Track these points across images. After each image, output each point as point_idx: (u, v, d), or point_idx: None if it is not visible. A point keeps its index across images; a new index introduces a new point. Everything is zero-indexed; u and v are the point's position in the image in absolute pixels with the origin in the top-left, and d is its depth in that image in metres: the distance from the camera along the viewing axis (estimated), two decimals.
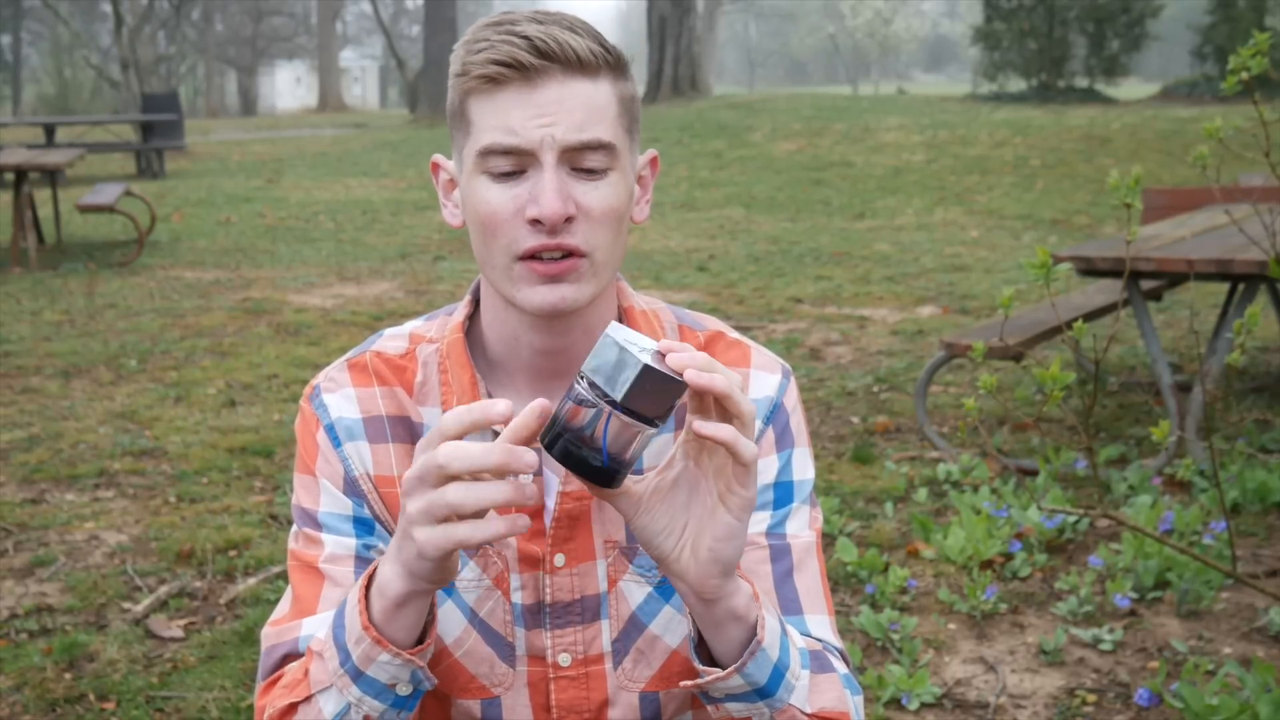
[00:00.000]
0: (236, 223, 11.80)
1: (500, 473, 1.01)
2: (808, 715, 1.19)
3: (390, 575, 1.09)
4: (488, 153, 1.19)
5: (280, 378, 5.91)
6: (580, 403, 1.01)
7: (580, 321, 1.26)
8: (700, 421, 1.02)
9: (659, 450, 1.29)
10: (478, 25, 1.21)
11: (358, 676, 1.12)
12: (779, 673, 1.15)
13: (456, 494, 1.01)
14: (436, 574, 1.08)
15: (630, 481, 1.09)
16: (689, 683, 1.17)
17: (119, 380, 5.90)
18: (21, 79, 38.72)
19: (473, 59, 1.18)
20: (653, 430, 1.02)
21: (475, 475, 1.02)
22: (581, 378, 1.02)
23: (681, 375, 1.00)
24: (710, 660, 1.17)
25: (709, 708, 1.19)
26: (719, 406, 1.05)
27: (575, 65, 1.18)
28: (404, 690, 1.14)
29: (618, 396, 0.99)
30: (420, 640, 1.14)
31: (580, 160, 1.19)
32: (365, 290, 8.29)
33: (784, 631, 1.18)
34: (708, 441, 1.04)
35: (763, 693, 1.15)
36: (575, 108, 1.17)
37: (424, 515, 1.03)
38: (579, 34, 1.18)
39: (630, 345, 1.00)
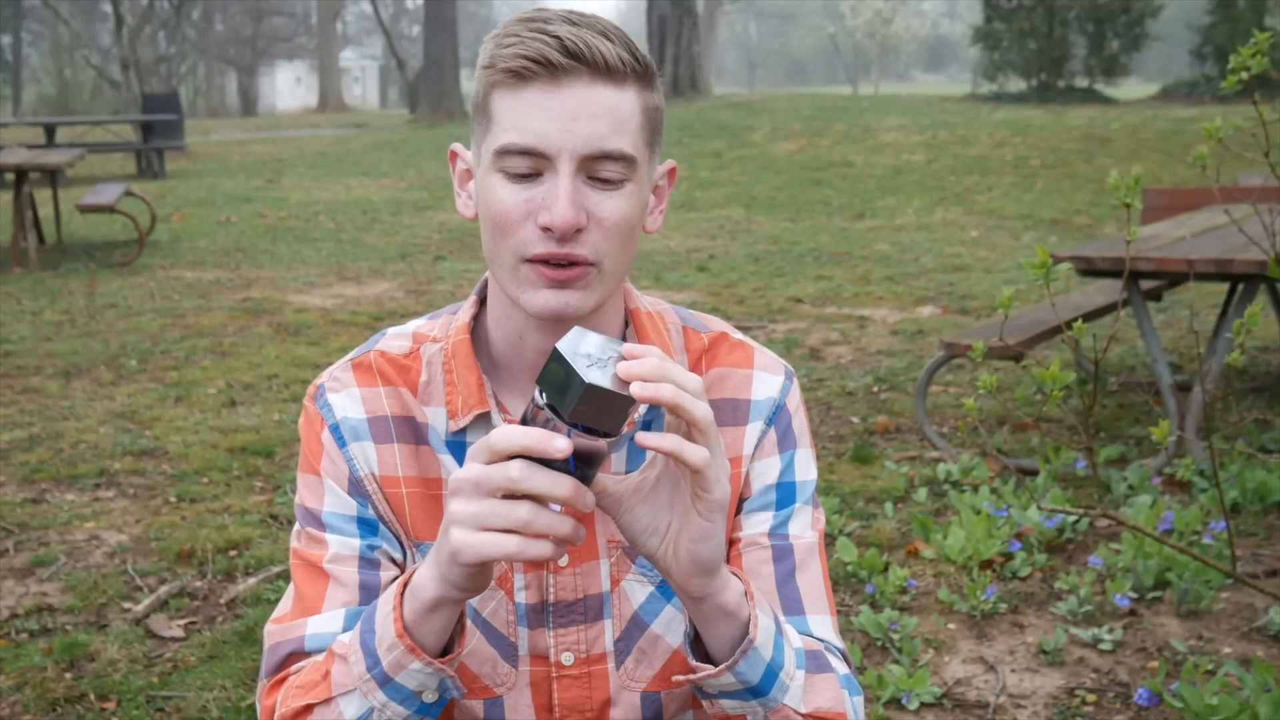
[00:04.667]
0: (236, 223, 11.80)
1: (565, 504, 1.02)
2: (802, 715, 1.19)
3: (425, 578, 1.09)
4: (505, 152, 1.18)
5: (280, 378, 5.91)
6: (540, 409, 1.01)
7: (585, 324, 1.25)
8: (641, 434, 1.02)
9: None
10: (510, 20, 1.20)
11: (385, 682, 1.12)
12: (772, 672, 1.15)
13: (530, 512, 1.02)
14: (470, 581, 1.08)
15: (610, 481, 1.09)
16: (682, 677, 1.17)
17: (119, 380, 5.90)
18: (21, 79, 38.69)
19: (501, 52, 1.17)
20: (611, 439, 1.02)
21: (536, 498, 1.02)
22: (539, 389, 1.01)
23: (627, 389, 0.99)
24: (706, 657, 1.17)
25: (705, 704, 1.20)
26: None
27: (603, 70, 1.16)
28: (430, 698, 1.14)
29: (565, 415, 0.99)
30: (449, 649, 1.14)
31: (597, 169, 1.18)
32: (365, 290, 8.29)
33: (779, 631, 1.18)
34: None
35: (755, 691, 1.15)
36: (598, 115, 1.16)
37: (472, 519, 1.03)
38: (611, 40, 1.17)
39: (578, 360, 0.99)
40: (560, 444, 0.99)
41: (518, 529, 1.02)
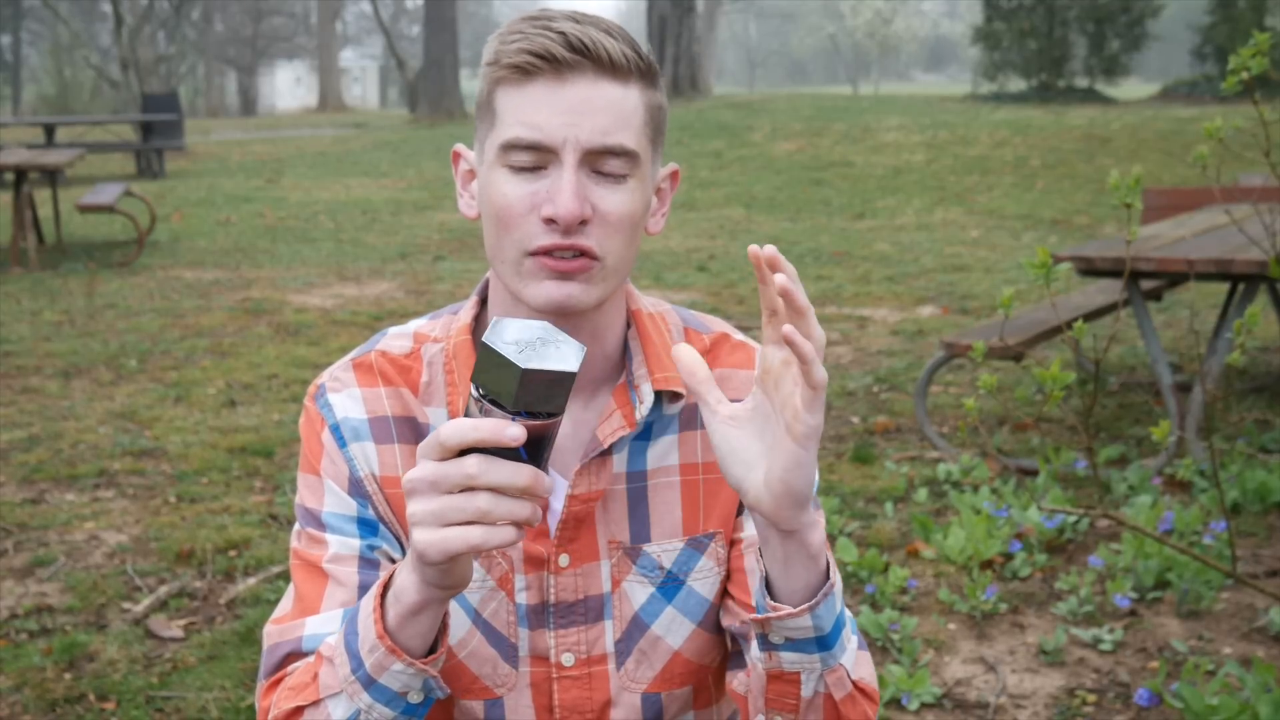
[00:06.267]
0: (236, 223, 11.80)
1: (525, 492, 1.01)
2: (852, 682, 1.18)
3: (407, 582, 1.09)
4: (510, 146, 1.19)
5: (280, 378, 5.91)
6: (479, 400, 1.01)
7: (588, 324, 1.26)
8: (790, 326, 0.99)
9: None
10: (514, 19, 1.22)
11: (369, 684, 1.12)
12: (839, 625, 1.14)
13: (488, 502, 1.00)
14: (446, 579, 1.07)
15: (714, 400, 1.09)
16: (753, 617, 1.14)
17: (119, 380, 5.90)
18: (21, 79, 38.67)
19: (506, 48, 1.19)
20: (558, 419, 1.02)
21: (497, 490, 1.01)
22: (477, 385, 1.01)
23: (563, 365, 0.98)
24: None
25: (760, 658, 1.17)
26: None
27: (607, 66, 1.18)
28: (415, 698, 1.13)
29: (510, 405, 0.99)
30: (433, 649, 1.14)
31: (601, 164, 1.19)
32: (365, 290, 8.29)
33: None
34: (792, 350, 0.99)
35: (824, 643, 1.13)
36: (602, 109, 1.17)
37: (432, 518, 1.02)
38: (614, 37, 1.19)
39: (508, 349, 0.98)
40: (514, 431, 0.98)
41: (478, 520, 1.01)
